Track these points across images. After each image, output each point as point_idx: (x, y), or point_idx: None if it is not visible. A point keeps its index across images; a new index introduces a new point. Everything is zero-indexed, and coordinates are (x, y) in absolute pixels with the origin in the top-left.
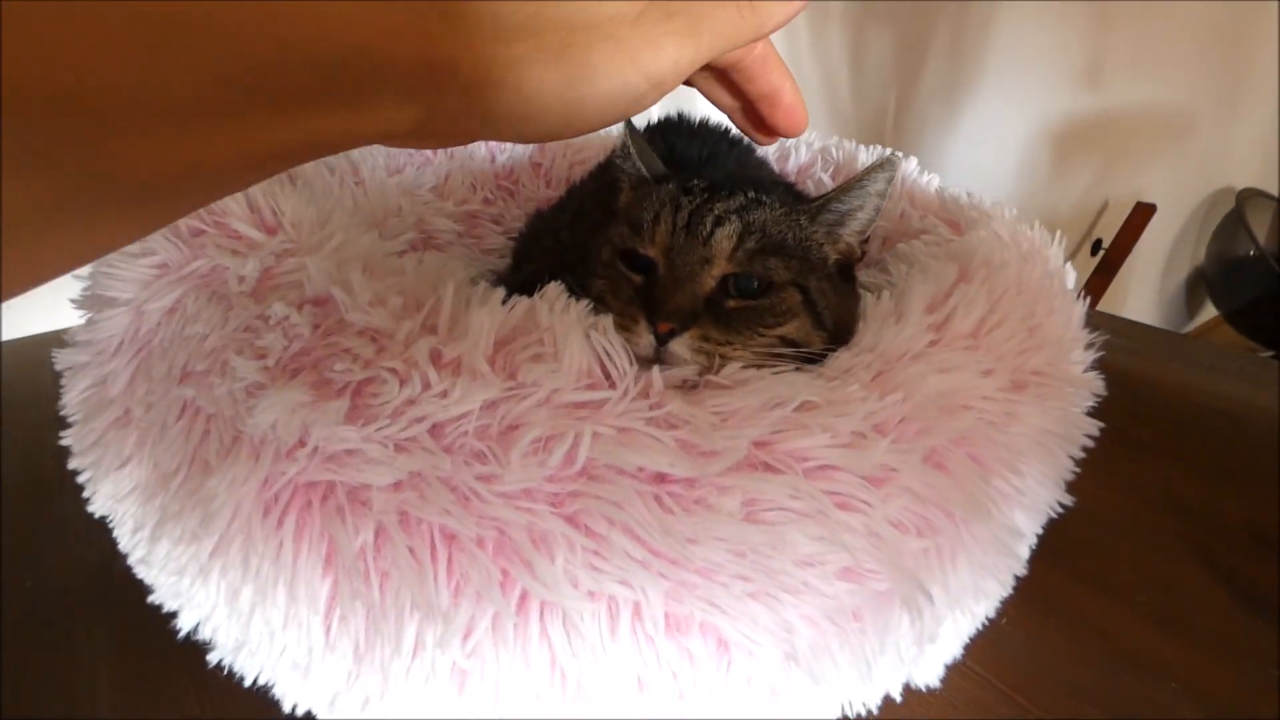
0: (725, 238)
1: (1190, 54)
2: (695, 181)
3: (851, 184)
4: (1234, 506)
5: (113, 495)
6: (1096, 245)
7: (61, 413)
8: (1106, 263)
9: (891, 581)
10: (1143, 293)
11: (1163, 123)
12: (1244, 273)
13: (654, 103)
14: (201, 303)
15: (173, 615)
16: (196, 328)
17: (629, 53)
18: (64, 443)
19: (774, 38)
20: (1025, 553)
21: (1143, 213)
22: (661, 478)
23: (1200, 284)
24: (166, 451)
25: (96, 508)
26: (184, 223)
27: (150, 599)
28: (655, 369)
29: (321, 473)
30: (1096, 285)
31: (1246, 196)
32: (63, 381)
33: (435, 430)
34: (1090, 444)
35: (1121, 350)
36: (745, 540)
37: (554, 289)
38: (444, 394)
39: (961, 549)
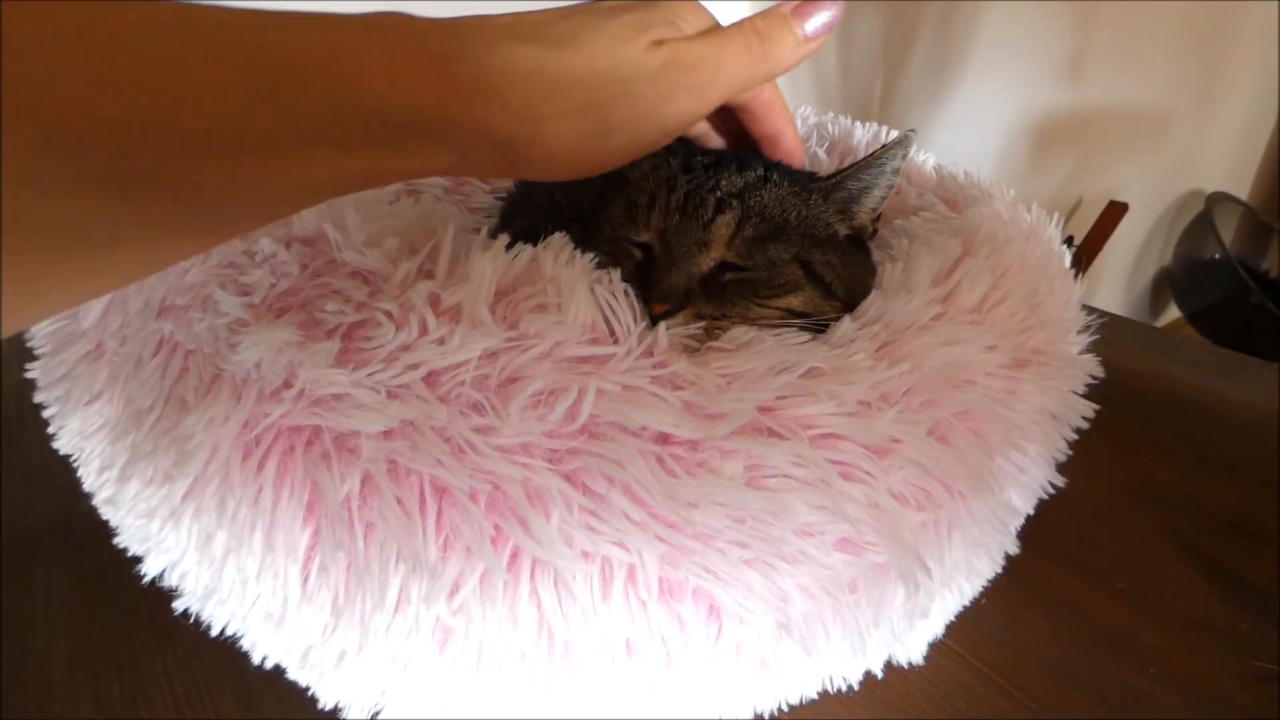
0: (724, 225)
1: (1168, 56)
2: (699, 156)
3: (868, 161)
4: (1212, 496)
5: (80, 432)
6: (1069, 241)
7: (28, 344)
8: (1078, 259)
9: (890, 554)
10: (1111, 291)
11: (1138, 123)
12: (1209, 275)
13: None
14: None
15: (136, 561)
16: None
17: (647, 109)
18: (30, 375)
19: (765, 8)
20: (1016, 532)
21: (1115, 211)
22: (665, 438)
23: (1166, 284)
24: (141, 388)
25: (62, 445)
26: None
27: (115, 542)
28: (661, 327)
29: (307, 417)
30: None
31: (1215, 200)
32: None
33: (430, 378)
34: (1085, 425)
35: (1103, 340)
36: (746, 506)
37: (559, 239)
38: (441, 340)
39: (959, 525)
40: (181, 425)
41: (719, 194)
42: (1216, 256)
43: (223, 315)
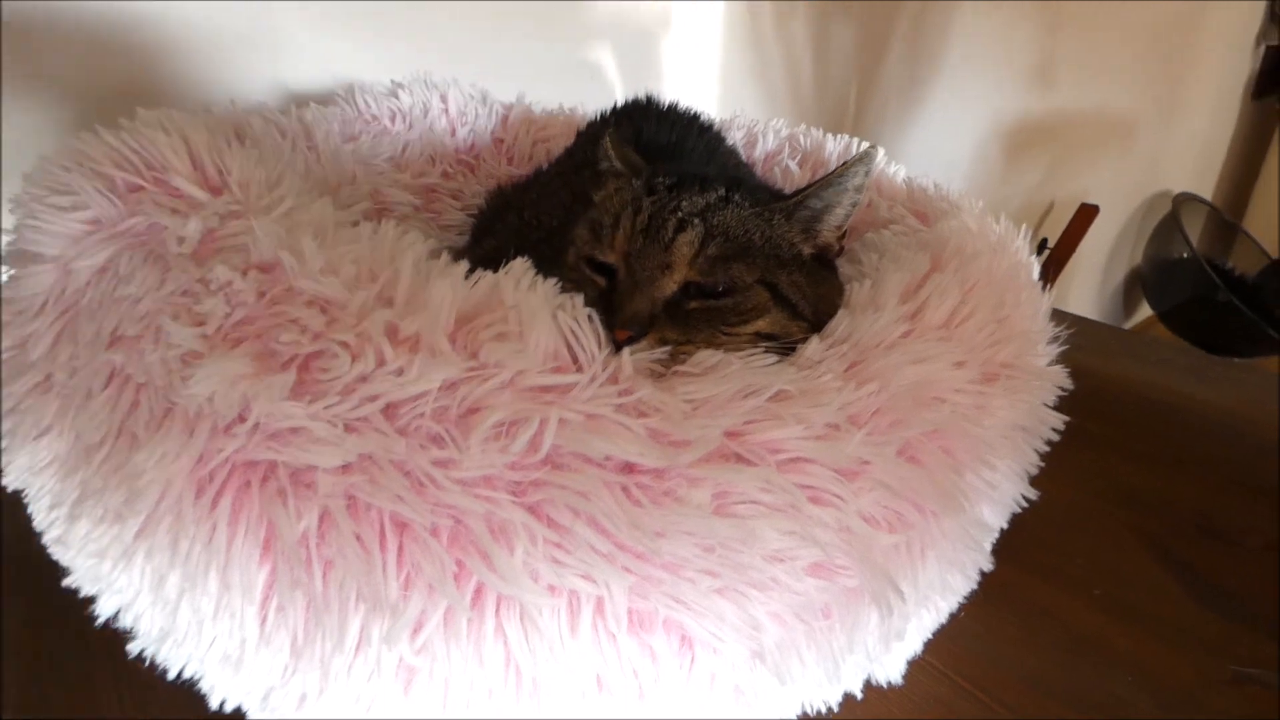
0: (686, 244)
1: (1133, 61)
2: (660, 178)
3: (829, 179)
4: (1183, 498)
5: (28, 468)
6: (1043, 244)
7: None
8: (1051, 261)
9: (862, 578)
10: (1083, 291)
11: (1107, 127)
12: (1178, 274)
13: None
14: (136, 263)
15: (90, 601)
16: (129, 289)
17: None
18: None
19: (738, 27)
20: (989, 547)
21: (1086, 214)
22: (630, 467)
23: (1137, 284)
24: (90, 422)
25: (10, 480)
26: (120, 177)
27: (66, 582)
28: (625, 352)
29: (263, 451)
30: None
31: (1182, 201)
32: None
33: (389, 410)
34: (1055, 438)
35: (1071, 344)
36: (714, 534)
37: (520, 265)
38: (400, 371)
39: (932, 544)
40: (132, 461)
41: (680, 214)
42: (1184, 256)
43: (174, 346)
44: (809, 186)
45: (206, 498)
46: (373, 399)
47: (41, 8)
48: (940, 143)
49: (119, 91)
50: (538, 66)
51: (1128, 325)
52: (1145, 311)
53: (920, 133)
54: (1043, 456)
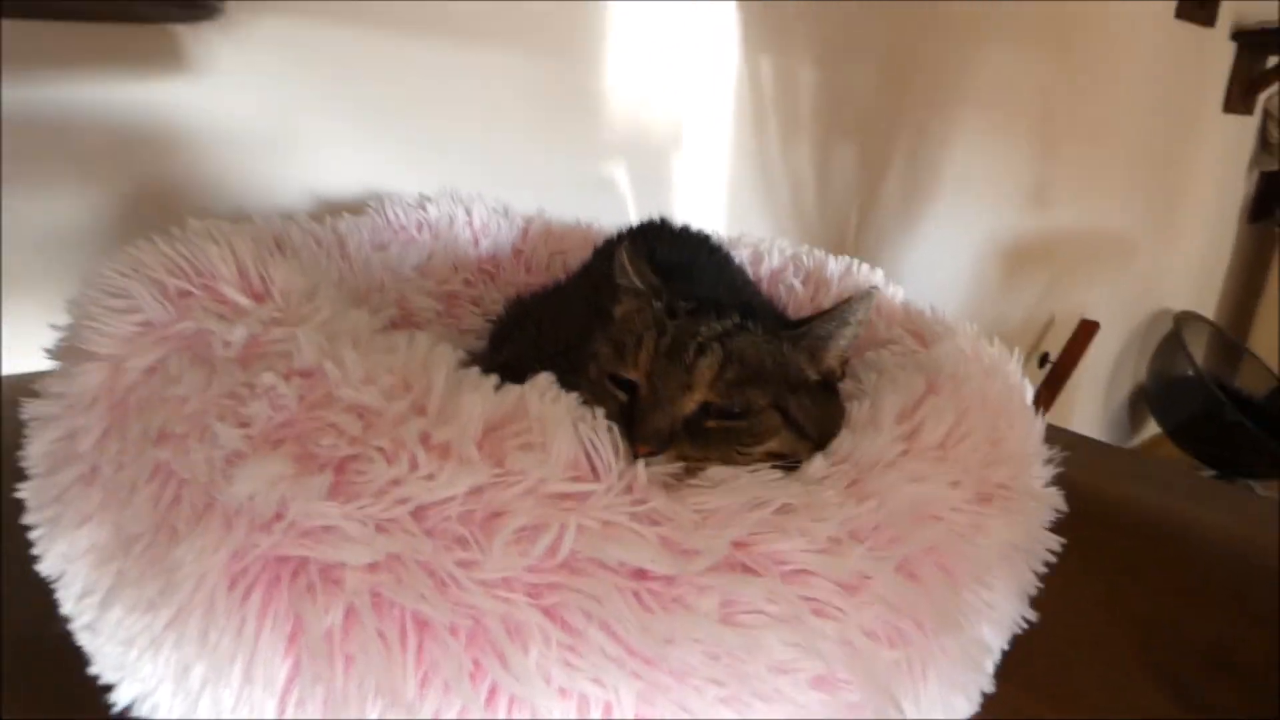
0: (707, 367)
1: (1127, 183)
2: (682, 303)
3: (833, 313)
4: (1191, 626)
5: (66, 555)
6: (1044, 359)
7: (22, 465)
8: (1054, 376)
9: (864, 693)
10: (1089, 407)
11: (1105, 245)
12: (1184, 392)
13: None
14: (185, 365)
15: (106, 690)
16: (178, 389)
17: None
18: (20, 495)
19: (745, 147)
20: (991, 669)
21: (1087, 329)
22: (642, 574)
23: (1142, 401)
24: (133, 514)
25: (45, 567)
26: (172, 283)
27: (89, 670)
28: (640, 464)
29: (295, 547)
30: (1045, 398)
31: (1184, 320)
32: (27, 432)
33: (418, 512)
34: (1052, 559)
35: (1075, 464)
36: (721, 643)
37: (544, 379)
38: (430, 476)
39: (932, 662)
40: (172, 554)
41: (699, 338)
42: (1189, 374)
43: (221, 446)
44: (814, 318)
45: (239, 591)
46: (403, 501)
47: (85, 101)
48: (939, 260)
49: (157, 187)
50: (557, 179)
51: (1134, 442)
52: (1152, 428)
53: (920, 250)
54: (1047, 578)
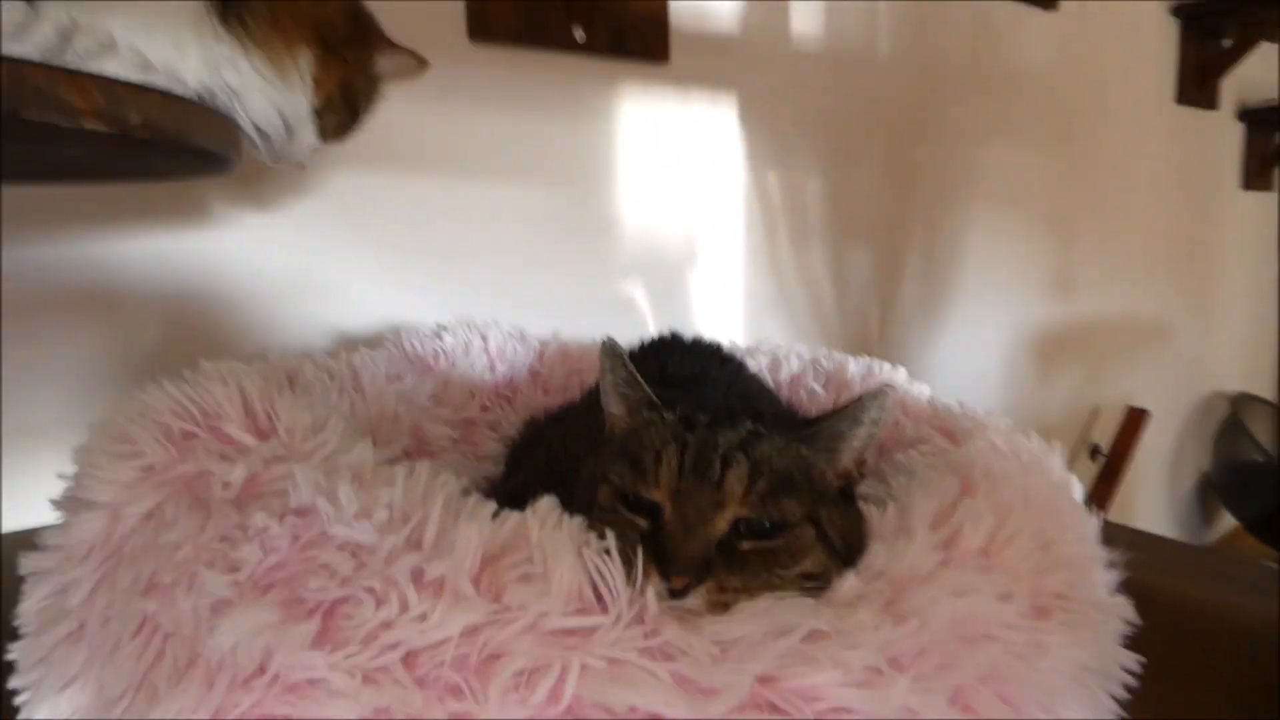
0: (737, 480)
1: (1152, 267)
2: (699, 415)
3: (845, 411)
4: None
5: None
6: (1095, 450)
7: (15, 623)
8: (1108, 469)
9: None
10: (1153, 503)
11: (1140, 331)
12: (1255, 479)
13: None
14: (182, 509)
15: None
16: (172, 535)
17: None
18: (9, 657)
19: (758, 256)
20: None
21: (1135, 418)
22: (656, 719)
23: (1211, 492)
24: (115, 673)
25: None
26: (176, 425)
27: None
28: (650, 590)
29: (279, 706)
30: (1101, 493)
31: (1241, 403)
32: (23, 589)
33: (409, 659)
34: (1131, 681)
35: (1144, 566)
36: None
37: (546, 503)
38: (423, 617)
39: None
40: (148, 718)
41: (722, 451)
42: (1259, 460)
43: (206, 594)
44: (826, 416)
45: None
46: (394, 646)
47: (110, 256)
48: (967, 356)
49: (182, 335)
50: (574, 302)
51: (1210, 538)
52: (1227, 520)
53: (946, 348)
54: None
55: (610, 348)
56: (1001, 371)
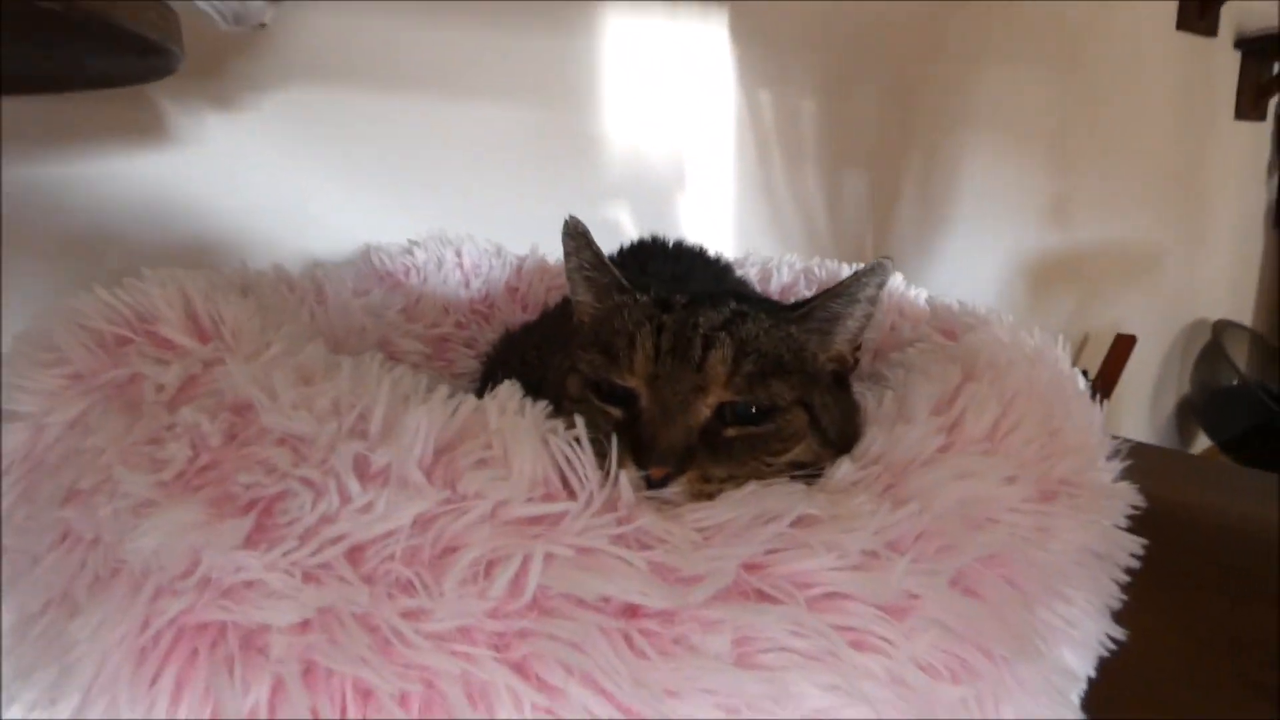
0: (719, 361)
1: (1147, 196)
2: (676, 296)
3: (839, 289)
4: None
5: None
6: (1083, 375)
7: None
8: (1094, 395)
9: None
10: (1134, 424)
11: (1131, 259)
12: (1231, 402)
13: None
14: (110, 414)
15: None
16: (95, 439)
17: None
18: None
19: (750, 179)
20: (1078, 701)
21: (1124, 343)
22: (632, 610)
23: (1190, 414)
24: (33, 589)
25: None
26: (110, 331)
27: None
28: (623, 476)
29: (213, 611)
30: None
31: (1222, 328)
32: None
33: (354, 554)
34: (1135, 565)
35: (1140, 471)
36: (739, 691)
37: (506, 389)
38: (367, 508)
39: (1007, 697)
40: (66, 631)
41: (703, 331)
42: (1234, 383)
43: (127, 496)
44: (818, 296)
45: (147, 671)
46: (336, 541)
47: (67, 177)
48: (961, 282)
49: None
50: (556, 225)
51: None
52: (1204, 442)
53: (940, 273)
54: (1128, 597)
55: (573, 227)
56: (995, 297)
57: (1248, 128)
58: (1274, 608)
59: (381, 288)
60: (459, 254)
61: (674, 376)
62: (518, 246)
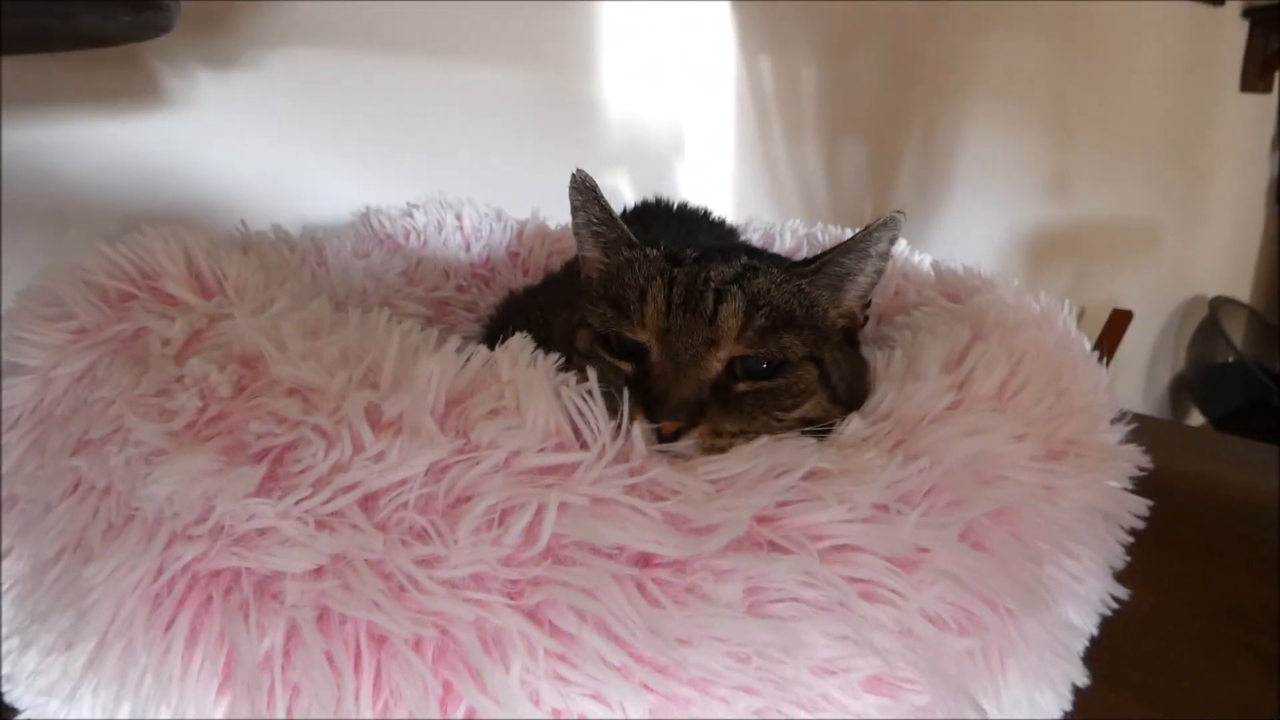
0: (731, 315)
1: (1148, 169)
2: (687, 250)
3: (851, 244)
4: None
5: None
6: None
7: None
8: (1100, 357)
9: (932, 693)
10: (1128, 399)
11: (1130, 233)
12: (1226, 378)
13: None
14: (116, 367)
15: None
16: (103, 391)
17: None
18: None
19: (749, 149)
20: (1081, 656)
21: (1121, 319)
22: (645, 559)
23: (1183, 390)
24: (46, 536)
25: None
26: (113, 286)
27: None
28: (636, 426)
29: (226, 558)
30: None
31: (1219, 305)
32: None
33: (367, 502)
34: (1139, 525)
35: (1141, 441)
36: (750, 639)
37: (518, 341)
38: (380, 456)
39: (1011, 650)
40: (81, 577)
41: (714, 284)
42: (1230, 360)
43: (139, 445)
44: (830, 251)
45: (162, 616)
46: (349, 489)
47: (62, 140)
48: (960, 253)
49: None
50: (555, 192)
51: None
52: (1196, 418)
53: (938, 244)
54: (1132, 564)
55: (581, 181)
56: (993, 270)
57: (1253, 100)
58: (1266, 570)
59: (381, 251)
60: (459, 217)
61: (685, 330)
62: (516, 212)
